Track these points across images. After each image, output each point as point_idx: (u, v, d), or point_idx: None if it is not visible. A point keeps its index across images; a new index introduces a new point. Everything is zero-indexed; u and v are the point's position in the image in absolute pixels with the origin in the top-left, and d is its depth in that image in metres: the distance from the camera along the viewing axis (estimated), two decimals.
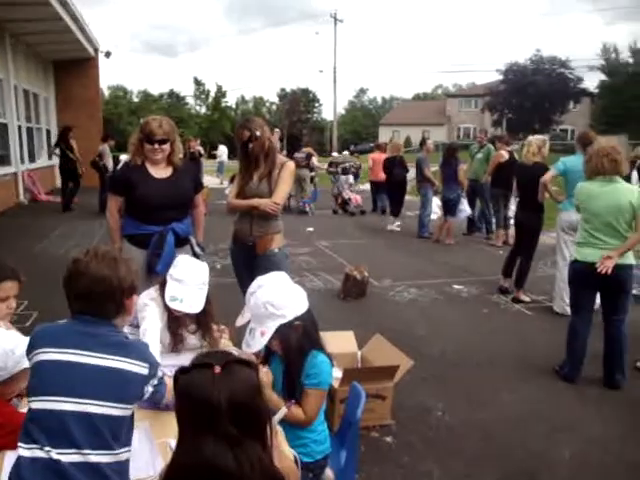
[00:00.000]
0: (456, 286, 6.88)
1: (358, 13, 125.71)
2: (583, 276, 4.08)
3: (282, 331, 2.06)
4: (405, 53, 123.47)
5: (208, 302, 2.76)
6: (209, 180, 18.22)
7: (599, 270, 3.88)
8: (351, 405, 2.31)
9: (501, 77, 41.87)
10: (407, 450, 3.30)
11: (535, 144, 6.22)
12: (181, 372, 1.29)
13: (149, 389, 1.75)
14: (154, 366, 1.77)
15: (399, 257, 8.61)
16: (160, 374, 1.81)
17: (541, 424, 3.63)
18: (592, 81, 50.93)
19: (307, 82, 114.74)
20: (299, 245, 8.99)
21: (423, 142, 11.03)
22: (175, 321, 2.75)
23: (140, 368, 1.71)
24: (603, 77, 44.68)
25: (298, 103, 64.17)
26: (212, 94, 67.11)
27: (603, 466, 3.20)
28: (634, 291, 5.32)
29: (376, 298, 6.32)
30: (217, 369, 1.25)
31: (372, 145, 14.97)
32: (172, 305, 2.63)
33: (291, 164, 3.79)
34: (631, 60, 42.43)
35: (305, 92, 67.13)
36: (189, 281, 2.67)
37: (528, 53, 45.72)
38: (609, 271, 3.86)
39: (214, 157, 23.94)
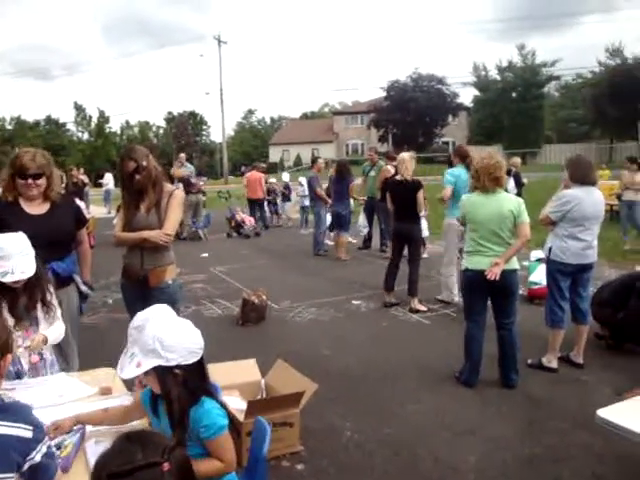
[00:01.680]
0: (355, 302, 6.96)
1: (242, 34, 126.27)
2: (475, 283, 4.25)
3: (160, 372, 1.90)
4: (291, 73, 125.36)
5: (38, 267, 2.72)
6: (96, 210, 17.43)
7: (488, 277, 4.06)
8: (257, 440, 2.22)
9: (384, 94, 43.55)
10: (319, 476, 3.24)
11: (410, 160, 6.59)
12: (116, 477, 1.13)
13: (36, 458, 1.57)
14: (40, 429, 1.60)
15: (297, 277, 8.60)
16: (50, 445, 1.63)
17: (445, 431, 3.71)
18: (468, 96, 54.35)
19: (194, 105, 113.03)
20: (194, 272, 8.75)
21: (314, 161, 11.18)
22: (11, 299, 2.67)
23: (23, 431, 1.54)
24: (476, 92, 48.01)
25: (186, 126, 63.17)
26: (94, 120, 64.51)
27: (505, 464, 3.32)
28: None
29: (276, 321, 6.25)
30: (166, 466, 1.12)
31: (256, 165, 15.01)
32: (6, 279, 2.57)
33: (180, 192, 3.66)
34: (499, 77, 45.84)
35: (192, 115, 66.25)
36: (10, 251, 2.60)
37: (408, 71, 47.90)
38: (497, 277, 4.05)
39: (100, 185, 22.92)
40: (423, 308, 6.48)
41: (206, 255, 10.62)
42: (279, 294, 7.16)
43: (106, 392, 2.62)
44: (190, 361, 1.93)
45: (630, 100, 36.42)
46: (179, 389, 1.92)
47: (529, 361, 4.73)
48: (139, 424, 2.19)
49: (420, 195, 6.41)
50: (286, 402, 3.36)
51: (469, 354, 4.40)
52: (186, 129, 62.79)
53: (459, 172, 6.46)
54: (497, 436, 3.63)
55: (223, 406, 2.04)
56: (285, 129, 63.81)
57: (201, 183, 13.54)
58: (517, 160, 12.35)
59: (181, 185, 11.56)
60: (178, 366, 1.90)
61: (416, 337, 5.64)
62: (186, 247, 11.34)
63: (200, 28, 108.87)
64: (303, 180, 14.45)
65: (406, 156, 6.66)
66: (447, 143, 48.21)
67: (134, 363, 1.89)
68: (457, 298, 6.57)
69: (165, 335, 1.90)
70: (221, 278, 8.57)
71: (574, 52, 78.22)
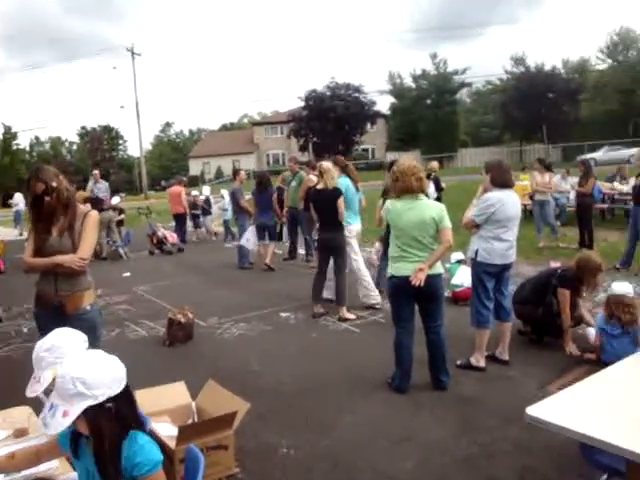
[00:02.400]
0: (283, 314, 6.89)
1: (157, 45, 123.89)
2: (401, 290, 4.28)
3: (90, 414, 1.76)
4: (208, 84, 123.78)
5: None
6: (6, 232, 16.48)
7: (413, 283, 4.10)
8: (190, 471, 2.11)
9: (302, 104, 43.84)
10: None
11: (335, 169, 6.70)
12: None
13: None
14: None
15: (223, 292, 8.43)
16: None
17: (382, 439, 3.70)
18: (385, 103, 55.68)
19: (109, 119, 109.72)
20: (115, 293, 8.41)
21: (236, 173, 11.05)
22: None
23: None
24: (393, 100, 49.29)
25: (101, 141, 61.09)
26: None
27: (442, 467, 3.34)
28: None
29: (204, 339, 6.08)
30: None
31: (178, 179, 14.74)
32: None
33: (94, 213, 3.47)
34: (414, 85, 47.31)
35: (107, 129, 64.14)
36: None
37: (325, 81, 48.46)
38: (422, 283, 4.10)
39: (9, 206, 21.71)
40: (352, 316, 6.50)
41: (128, 274, 10.24)
42: (206, 311, 6.98)
43: (21, 434, 2.42)
44: (117, 390, 1.81)
45: (535, 105, 38.55)
46: (111, 424, 1.80)
47: (458, 362, 4.82)
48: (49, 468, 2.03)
49: (340, 203, 6.44)
50: (219, 424, 3.24)
51: (399, 360, 4.43)
52: (101, 144, 60.72)
53: (345, 182, 6.93)
54: (433, 440, 3.66)
55: (153, 436, 1.92)
56: (204, 141, 62.96)
57: (118, 200, 13.09)
58: (435, 164, 12.70)
59: (89, 205, 11.13)
60: (107, 399, 1.78)
61: (346, 346, 5.64)
62: (106, 267, 10.91)
63: (112, 39, 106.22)
64: (225, 193, 14.28)
65: (331, 165, 6.72)
66: (367, 150, 49.20)
67: (59, 414, 1.74)
68: (379, 298, 6.81)
69: (84, 373, 1.76)
70: (145, 298, 8.27)
71: (483, 60, 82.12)
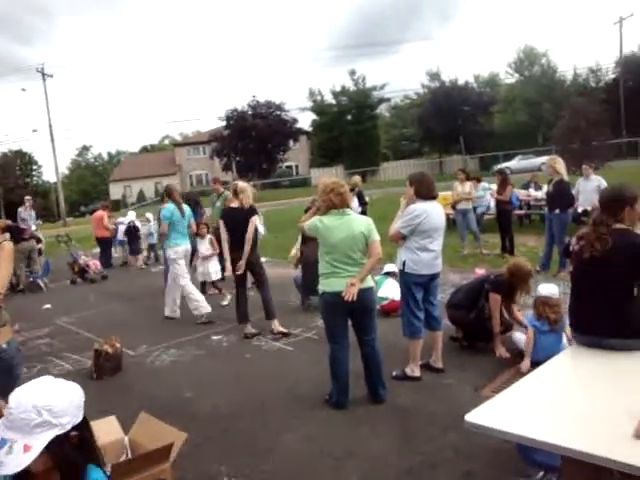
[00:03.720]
0: (215, 337, 6.73)
1: (69, 67, 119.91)
2: (333, 305, 4.27)
3: (56, 444, 1.59)
4: (126, 106, 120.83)
5: None
6: None
7: (346, 298, 4.10)
8: None
9: (224, 123, 43.58)
10: None
11: (250, 189, 6.70)
12: None
13: None
14: None
15: (151, 319, 8.10)
16: None
17: (325, 457, 3.65)
18: (307, 120, 56.16)
19: (21, 143, 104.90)
20: (36, 327, 7.96)
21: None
22: None
23: None
24: (314, 116, 49.81)
25: (13, 167, 58.21)
26: None
27: None
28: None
29: (134, 369, 5.82)
30: None
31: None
32: None
33: (8, 244, 3.27)
34: (334, 101, 48.06)
35: (20, 154, 61.26)
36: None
37: (247, 99, 48.26)
38: (354, 297, 4.10)
39: None
40: (284, 330, 6.46)
41: (49, 306, 9.71)
42: (134, 339, 6.71)
43: None
44: (80, 417, 1.68)
45: (451, 118, 40.10)
46: (76, 454, 1.65)
47: (394, 373, 4.85)
48: None
49: (254, 220, 6.41)
50: (154, 458, 3.09)
51: (336, 376, 4.40)
52: (13, 170, 57.87)
53: (172, 208, 7.68)
54: (375, 454, 3.65)
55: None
56: (125, 164, 61.37)
57: (33, 228, 12.48)
58: (357, 178, 12.79)
59: (8, 234, 10.58)
60: (74, 426, 1.65)
61: (282, 365, 5.56)
62: (24, 300, 10.36)
63: (22, 60, 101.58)
64: (150, 216, 13.89)
65: (246, 184, 6.70)
66: (290, 167, 49.45)
67: (18, 450, 1.54)
68: (208, 307, 7.48)
69: (50, 400, 1.60)
70: (68, 329, 7.86)
71: (400, 76, 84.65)
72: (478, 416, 2.48)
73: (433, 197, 4.78)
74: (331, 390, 4.46)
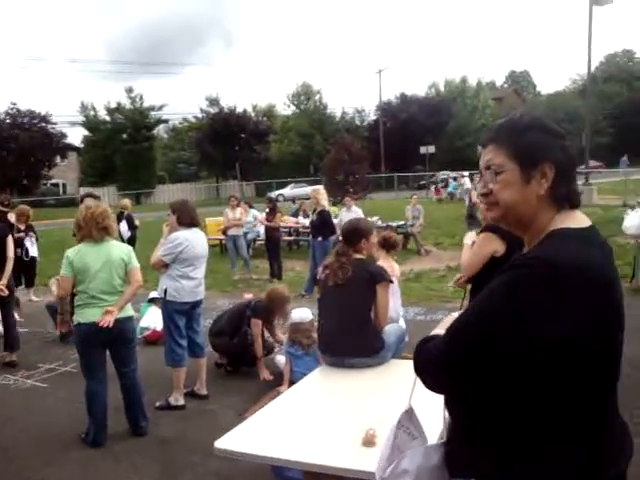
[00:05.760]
0: None
1: None
2: (90, 337, 4.04)
3: None
4: None
5: None
6: None
7: (100, 324, 3.92)
8: None
9: None
10: None
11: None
12: None
13: None
14: None
15: None
16: None
17: None
18: (78, 136, 51.92)
19: None
20: None
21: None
22: None
23: None
24: (86, 132, 46.67)
25: None
26: None
27: None
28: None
29: None
30: None
31: None
32: None
33: None
34: (108, 118, 45.65)
35: None
36: None
37: (4, 106, 43.15)
38: (111, 324, 3.94)
39: None
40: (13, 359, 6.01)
41: None
42: None
43: None
44: None
45: (229, 144, 40.89)
46: None
47: (157, 404, 4.75)
48: None
49: (8, 241, 5.90)
50: None
51: (93, 411, 4.16)
52: None
53: None
54: None
55: None
56: None
57: None
58: (127, 202, 12.27)
59: None
60: None
61: (33, 404, 5.05)
62: None
63: None
64: None
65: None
66: (57, 185, 45.74)
67: None
68: None
69: None
70: None
71: (180, 98, 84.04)
72: (228, 442, 2.56)
73: (196, 225, 4.83)
74: (88, 427, 4.19)
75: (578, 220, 1.39)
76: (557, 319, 1.22)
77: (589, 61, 24.13)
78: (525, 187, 1.38)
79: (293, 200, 21.82)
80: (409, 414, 1.62)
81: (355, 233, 3.58)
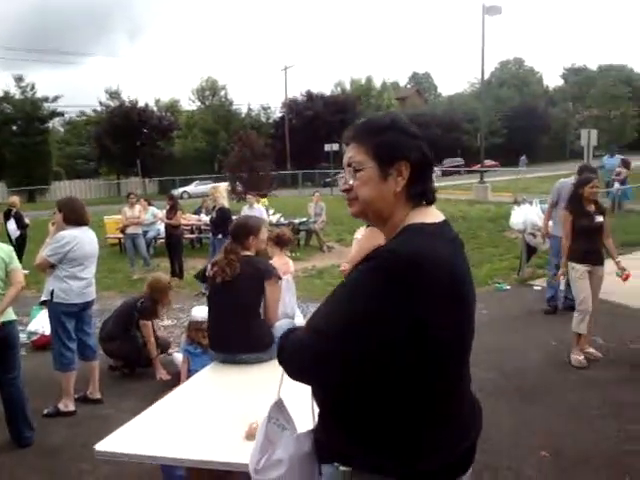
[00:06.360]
0: None
1: None
2: None
3: None
4: None
5: None
6: None
7: None
8: None
9: None
10: None
11: None
12: None
13: None
14: None
15: None
16: None
17: None
18: None
19: None
20: None
21: None
22: None
23: None
24: None
25: None
26: None
27: None
28: None
29: None
30: None
31: None
32: None
33: None
34: None
35: None
36: None
37: None
38: None
39: None
40: None
41: None
42: None
43: None
44: None
45: (129, 139, 39.46)
46: None
47: (45, 411, 4.54)
48: None
49: None
50: None
51: None
52: None
53: None
54: None
55: None
56: None
57: None
58: (15, 199, 11.55)
59: None
60: None
61: None
62: None
63: None
64: None
65: None
66: None
67: None
68: None
69: None
70: None
71: (77, 90, 79.60)
72: (109, 444, 2.49)
73: (84, 223, 4.64)
74: None
75: (432, 216, 1.49)
76: (402, 308, 1.30)
77: (482, 66, 25.59)
78: (382, 184, 1.46)
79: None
80: (278, 406, 1.67)
81: (243, 230, 3.59)
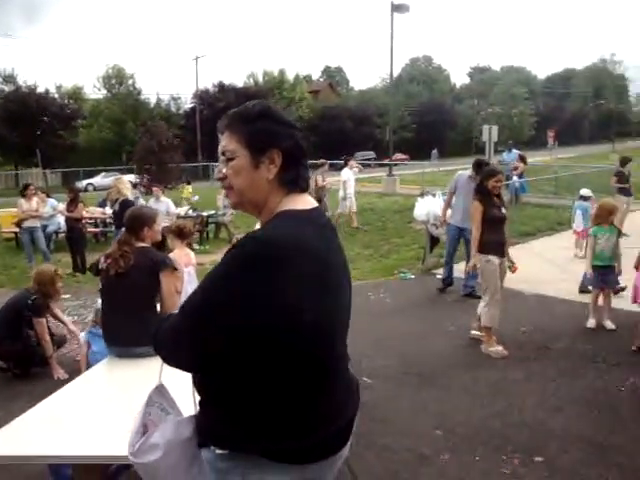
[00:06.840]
0: None
1: None
2: None
3: None
4: None
5: None
6: None
7: None
8: None
9: None
10: None
11: None
12: None
13: None
14: None
15: None
16: None
17: None
18: None
19: None
20: None
21: None
22: None
23: None
24: None
25: None
26: None
27: None
28: None
29: None
30: None
31: None
32: None
33: None
34: None
35: None
36: None
37: None
38: None
39: None
40: None
41: None
42: None
43: None
44: None
45: (27, 127, 37.14)
46: None
47: None
48: None
49: None
50: None
51: None
52: None
53: None
54: None
55: None
56: None
57: None
58: None
59: None
60: None
61: None
62: None
63: None
64: None
65: None
66: None
67: None
68: None
69: None
70: None
71: None
72: None
73: None
74: None
75: (303, 202, 1.52)
76: (262, 294, 1.32)
77: (391, 62, 26.14)
78: (255, 172, 1.48)
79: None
80: (159, 390, 1.67)
81: (137, 221, 3.51)
